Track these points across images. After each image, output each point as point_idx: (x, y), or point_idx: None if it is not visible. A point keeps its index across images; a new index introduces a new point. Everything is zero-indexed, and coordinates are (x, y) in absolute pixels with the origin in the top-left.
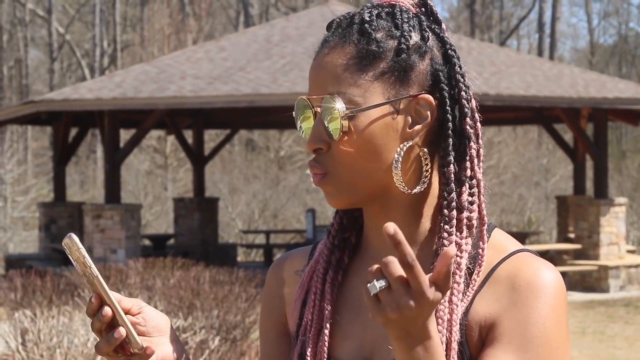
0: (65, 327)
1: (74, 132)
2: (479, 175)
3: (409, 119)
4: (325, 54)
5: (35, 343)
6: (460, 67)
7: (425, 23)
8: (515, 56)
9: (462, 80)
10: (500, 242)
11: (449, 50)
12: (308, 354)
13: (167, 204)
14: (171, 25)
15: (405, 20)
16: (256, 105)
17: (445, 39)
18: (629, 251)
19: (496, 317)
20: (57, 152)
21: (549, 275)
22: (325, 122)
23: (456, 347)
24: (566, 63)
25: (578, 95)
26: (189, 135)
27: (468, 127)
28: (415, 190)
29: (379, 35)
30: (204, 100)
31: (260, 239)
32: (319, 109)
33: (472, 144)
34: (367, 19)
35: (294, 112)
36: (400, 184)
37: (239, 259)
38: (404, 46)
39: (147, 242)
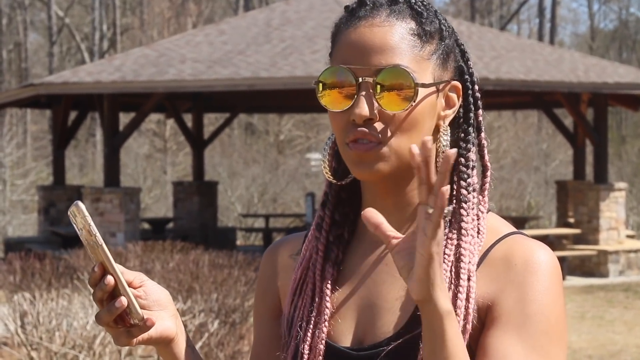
0: (64, 310)
1: (73, 115)
2: (489, 164)
3: (443, 102)
4: (377, 24)
5: (34, 326)
6: (471, 62)
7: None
8: (515, 41)
9: (475, 75)
10: (494, 225)
11: (462, 46)
12: (308, 338)
13: (167, 188)
14: (171, 8)
15: (433, 8)
16: (256, 89)
17: (457, 33)
18: (629, 236)
19: (494, 297)
20: (56, 136)
21: (544, 254)
22: (385, 92)
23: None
24: (566, 48)
25: (578, 80)
26: (188, 118)
27: (481, 118)
28: None
29: (428, 16)
30: (204, 83)
31: (259, 223)
32: (367, 79)
33: (482, 134)
34: None
35: (320, 81)
36: None
37: (238, 242)
38: (446, 32)
39: (146, 225)
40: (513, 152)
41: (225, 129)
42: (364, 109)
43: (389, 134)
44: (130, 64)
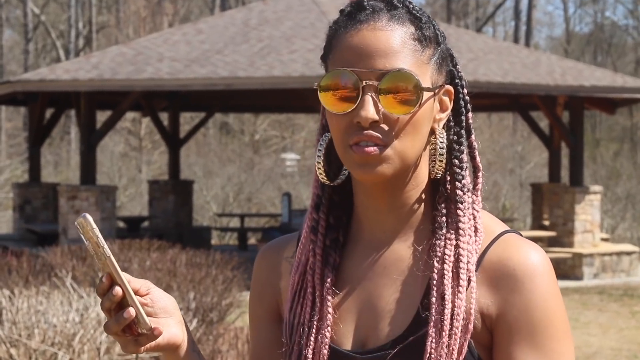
0: (43, 307)
1: (49, 113)
2: (480, 164)
3: (437, 106)
4: (380, 29)
5: (13, 322)
6: (459, 66)
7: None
8: (492, 43)
9: (464, 78)
10: (486, 223)
11: (451, 50)
12: (311, 343)
13: (142, 186)
14: (147, 7)
15: (427, 13)
16: (233, 88)
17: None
18: (603, 239)
19: (498, 307)
20: (32, 133)
21: (538, 256)
22: (389, 95)
23: (473, 314)
24: (542, 51)
25: (555, 82)
26: (164, 117)
27: (471, 121)
28: (440, 175)
29: (426, 22)
30: (181, 82)
31: (234, 223)
32: (371, 82)
33: (472, 136)
34: (408, 4)
35: (323, 83)
36: (441, 170)
37: (213, 242)
38: (441, 37)
39: (121, 224)
40: (488, 154)
41: (201, 128)
42: (370, 111)
43: (393, 136)
44: (107, 62)
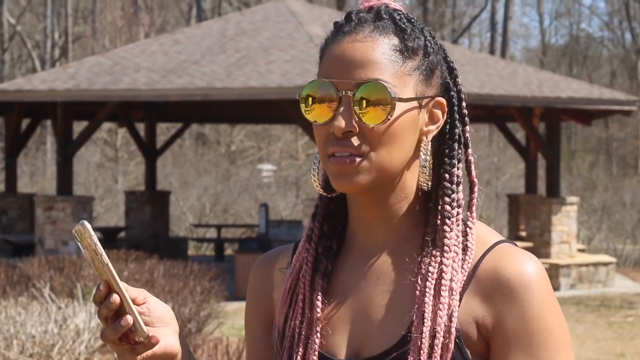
0: (21, 318)
1: (25, 123)
2: (476, 179)
3: (426, 118)
4: (360, 40)
5: None
6: (459, 79)
7: (430, 31)
8: (469, 54)
9: (463, 91)
10: (480, 234)
11: (451, 63)
12: (300, 350)
13: (118, 197)
14: (123, 17)
15: (420, 25)
16: (210, 99)
17: (447, 50)
18: (580, 250)
19: (494, 317)
20: (8, 143)
21: (532, 266)
22: (364, 105)
23: (454, 333)
24: (518, 62)
25: (532, 94)
26: (140, 128)
27: (468, 135)
28: (426, 187)
29: (412, 33)
30: (158, 93)
31: (211, 233)
32: (349, 92)
33: (469, 150)
34: (397, 16)
35: (303, 94)
36: (426, 182)
37: (190, 252)
38: (431, 49)
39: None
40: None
41: (177, 139)
42: (342, 121)
43: (369, 147)
44: (84, 72)
